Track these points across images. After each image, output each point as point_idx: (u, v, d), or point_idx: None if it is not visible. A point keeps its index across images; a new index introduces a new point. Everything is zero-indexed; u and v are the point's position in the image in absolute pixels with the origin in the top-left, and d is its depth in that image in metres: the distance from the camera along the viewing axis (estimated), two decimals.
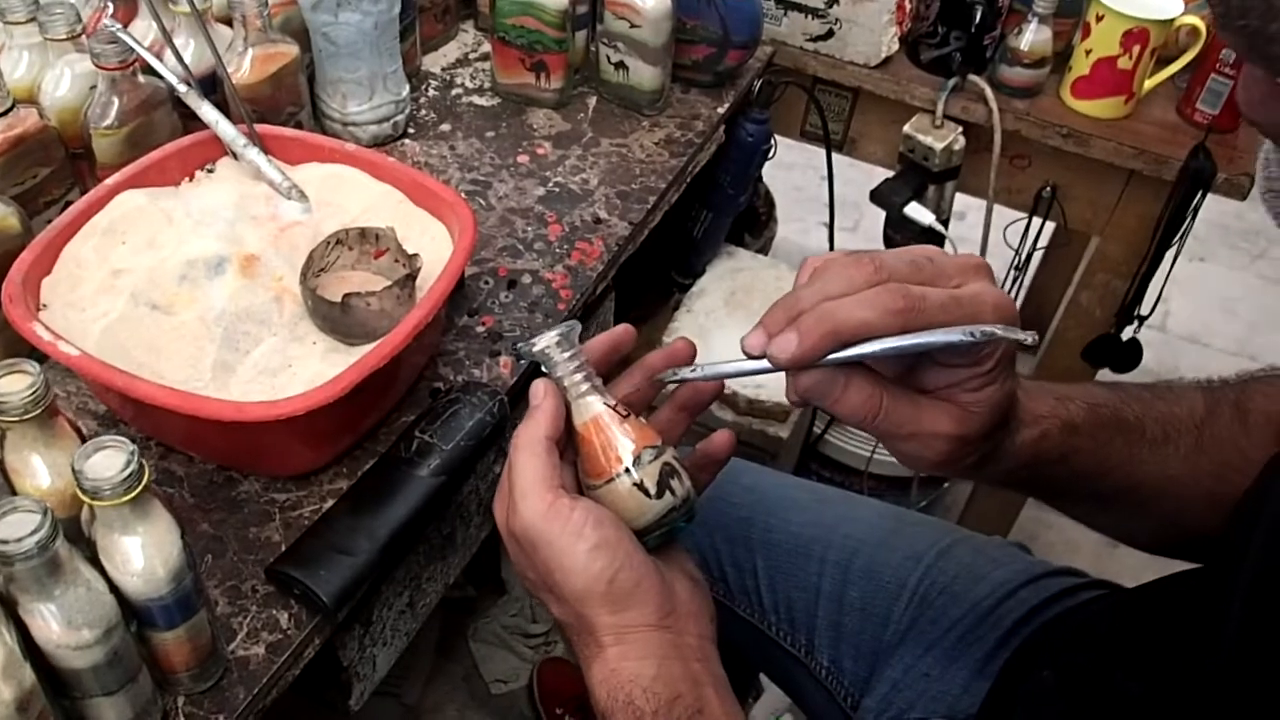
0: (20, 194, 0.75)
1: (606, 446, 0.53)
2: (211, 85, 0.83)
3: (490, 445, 0.72)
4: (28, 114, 0.75)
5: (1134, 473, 0.60)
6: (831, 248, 1.66)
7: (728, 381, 1.21)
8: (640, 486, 0.53)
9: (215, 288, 0.70)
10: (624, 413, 0.54)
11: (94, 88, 0.78)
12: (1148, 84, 1.14)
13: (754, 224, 1.53)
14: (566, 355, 0.54)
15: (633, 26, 1.01)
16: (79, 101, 0.79)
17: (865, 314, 0.46)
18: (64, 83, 0.79)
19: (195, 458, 0.71)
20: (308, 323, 0.70)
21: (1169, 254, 1.18)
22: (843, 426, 1.60)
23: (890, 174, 1.24)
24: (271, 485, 0.70)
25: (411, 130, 1.02)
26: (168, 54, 0.80)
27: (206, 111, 0.78)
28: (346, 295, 0.68)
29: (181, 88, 0.78)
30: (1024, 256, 1.32)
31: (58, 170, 0.78)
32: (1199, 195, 1.11)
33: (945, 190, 1.22)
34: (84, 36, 0.80)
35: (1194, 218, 1.14)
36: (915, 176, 1.20)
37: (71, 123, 0.79)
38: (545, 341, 0.54)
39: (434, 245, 0.75)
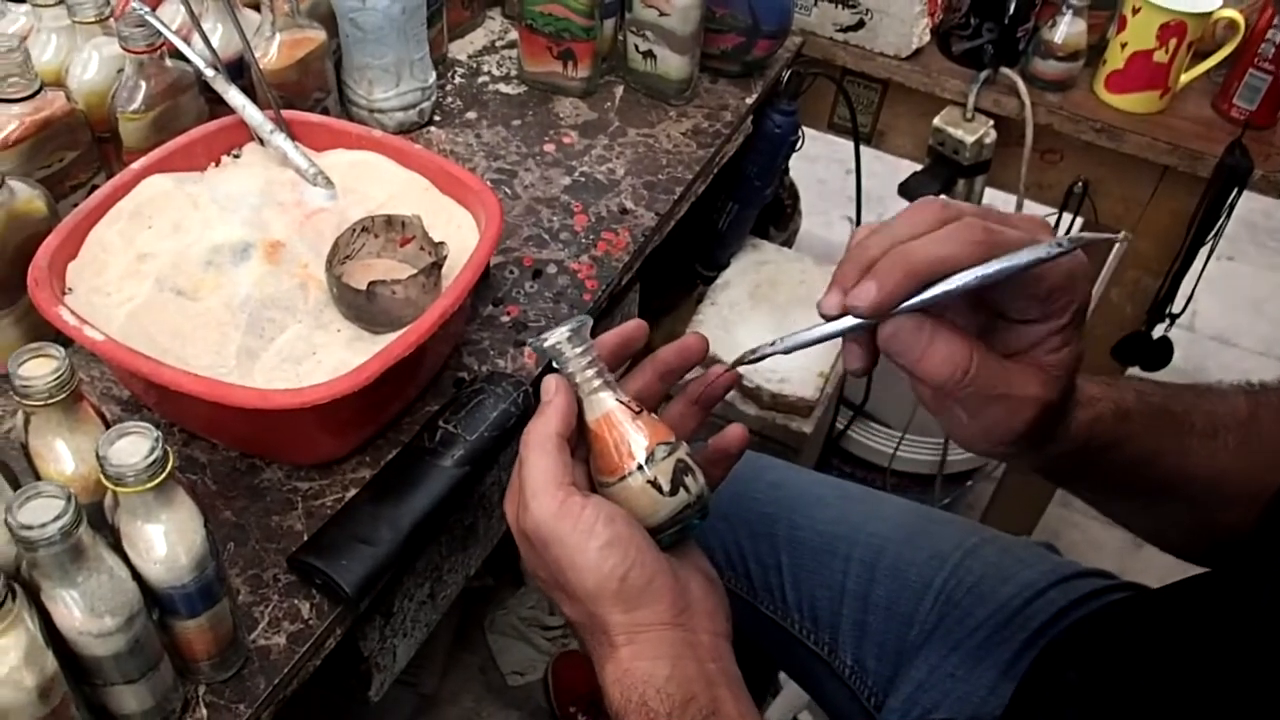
0: (47, 177, 0.74)
1: (619, 443, 0.53)
2: (239, 70, 0.82)
3: (514, 436, 0.72)
4: (55, 97, 0.74)
5: (1184, 464, 0.58)
6: None
7: (750, 375, 1.21)
8: (654, 484, 0.52)
9: (240, 274, 0.70)
10: (636, 409, 0.53)
11: (121, 71, 0.78)
12: (1184, 78, 1.12)
13: (779, 217, 1.52)
14: (578, 351, 0.53)
15: (661, 15, 1.00)
16: (106, 85, 0.78)
17: (944, 249, 0.44)
18: (92, 66, 0.78)
19: (218, 445, 0.70)
20: (333, 310, 0.70)
21: (1202, 251, 1.16)
22: (866, 422, 1.59)
23: (918, 167, 1.23)
24: (294, 473, 0.69)
25: (437, 118, 1.01)
26: (195, 38, 0.79)
27: (234, 96, 0.77)
28: (372, 283, 0.67)
29: (209, 72, 0.78)
30: None
31: (84, 154, 0.78)
32: (1234, 192, 1.09)
33: (975, 185, 1.20)
34: (112, 20, 0.79)
35: (1229, 215, 1.12)
36: (944, 170, 1.18)
37: (99, 106, 0.78)
38: (556, 337, 0.53)
39: (460, 234, 0.75)
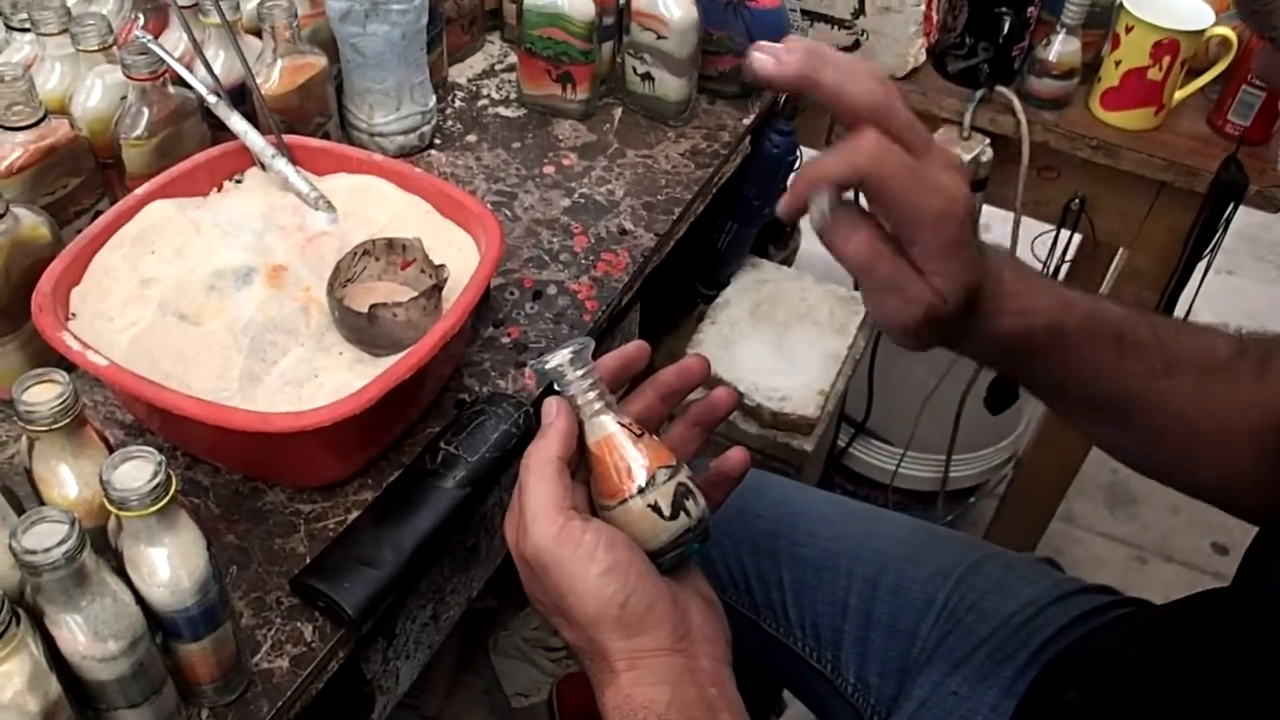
0: (51, 203, 0.75)
1: (620, 466, 0.53)
2: (240, 96, 0.83)
3: (515, 457, 0.72)
4: (59, 124, 0.75)
5: (1130, 389, 0.61)
6: None
7: (751, 394, 1.22)
8: (654, 507, 0.52)
9: (243, 298, 0.70)
10: (638, 431, 0.54)
11: (124, 98, 0.79)
12: (1178, 95, 1.13)
13: (778, 236, 1.53)
14: (579, 373, 0.54)
15: (659, 38, 1.01)
16: (110, 112, 0.79)
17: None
18: (95, 93, 0.79)
19: (221, 468, 0.71)
20: (334, 333, 0.70)
21: (1199, 266, 1.16)
22: (868, 440, 1.59)
23: None
24: (297, 496, 0.70)
25: (438, 141, 1.02)
26: (198, 65, 0.80)
27: (236, 122, 0.78)
28: (373, 306, 0.68)
29: (211, 98, 0.79)
30: (1052, 268, 1.31)
31: (88, 180, 0.78)
32: (1230, 207, 1.10)
33: (973, 202, 1.21)
34: (115, 48, 0.80)
35: (1225, 230, 1.12)
36: None
37: (102, 133, 0.79)
38: (558, 360, 0.53)
39: (460, 256, 0.75)
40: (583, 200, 0.97)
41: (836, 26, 1.17)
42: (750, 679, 0.57)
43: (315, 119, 0.90)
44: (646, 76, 1.05)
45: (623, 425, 0.53)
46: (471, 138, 1.03)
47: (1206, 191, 1.10)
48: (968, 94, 1.15)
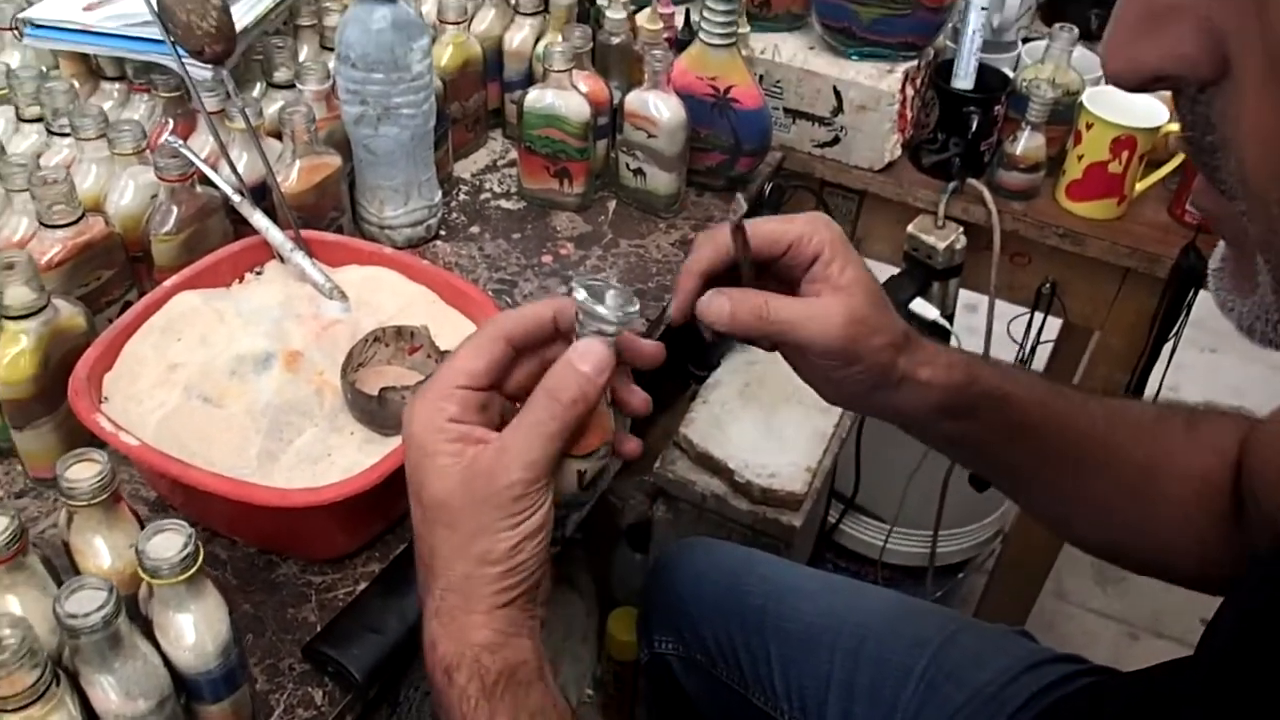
0: (85, 294, 0.81)
1: (584, 425, 0.53)
2: (261, 193, 0.90)
3: None
4: (95, 221, 0.81)
5: (1067, 445, 0.67)
6: None
7: (741, 471, 1.26)
8: (580, 475, 0.55)
9: (262, 382, 0.75)
10: (608, 399, 0.56)
11: (155, 197, 0.85)
12: (1139, 186, 1.20)
13: None
14: (610, 317, 0.52)
15: (650, 136, 1.08)
16: (141, 210, 0.86)
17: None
18: (128, 193, 0.86)
19: (238, 542, 0.75)
20: (346, 414, 0.76)
21: (1166, 347, 1.22)
22: (856, 516, 1.63)
23: (896, 271, 1.30)
24: (309, 568, 0.74)
25: (443, 232, 1.08)
26: (223, 165, 0.87)
27: (258, 220, 0.85)
28: (383, 389, 0.73)
29: (235, 197, 0.85)
30: (1028, 349, 1.37)
31: (119, 272, 0.85)
32: (1192, 292, 1.16)
33: (949, 287, 1.27)
34: (148, 151, 0.87)
35: (1189, 312, 1.18)
36: (920, 274, 1.26)
37: (133, 229, 0.85)
38: (597, 298, 0.52)
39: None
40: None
41: (816, 124, 1.24)
42: None
43: (330, 213, 0.96)
44: (638, 172, 1.12)
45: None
46: (475, 229, 1.10)
47: (1168, 277, 1.16)
48: (941, 185, 1.22)
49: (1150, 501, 0.67)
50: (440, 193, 1.06)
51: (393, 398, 0.73)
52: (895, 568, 1.63)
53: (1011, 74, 1.25)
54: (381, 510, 0.75)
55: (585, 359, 0.52)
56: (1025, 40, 1.37)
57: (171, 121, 0.94)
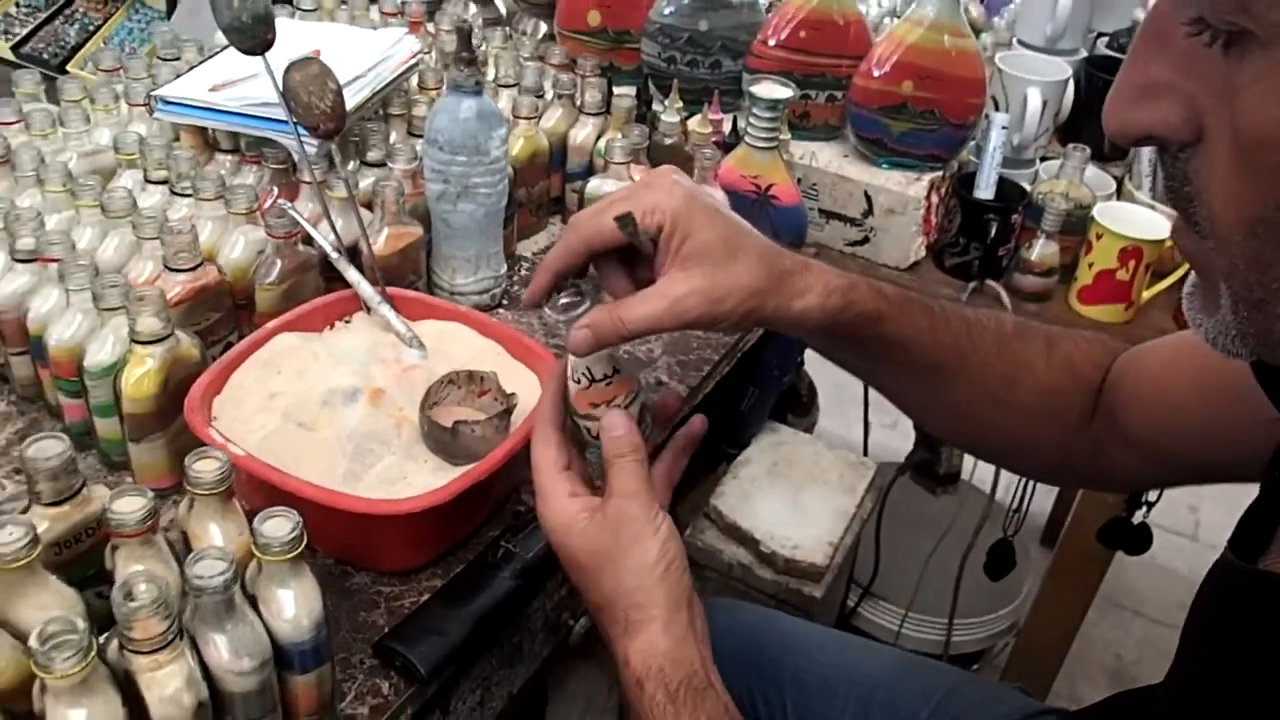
0: (196, 332, 0.92)
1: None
2: (353, 254, 1.01)
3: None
4: (210, 269, 0.93)
5: (935, 354, 0.74)
6: (865, 443, 1.81)
7: (767, 541, 1.34)
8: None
9: (349, 413, 0.85)
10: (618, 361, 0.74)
11: (261, 252, 0.97)
12: (1146, 294, 1.29)
13: (796, 405, 1.68)
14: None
15: None
16: (248, 262, 0.97)
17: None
18: (239, 247, 0.98)
19: (318, 552, 0.84)
20: (421, 445, 0.85)
21: None
22: (875, 601, 1.69)
23: None
24: (379, 579, 0.83)
25: (505, 301, 1.19)
26: (324, 226, 0.99)
27: (351, 275, 0.96)
28: (456, 421, 0.83)
29: (334, 254, 0.97)
30: None
31: (225, 316, 0.96)
32: None
33: None
34: (257, 212, 0.99)
35: None
36: None
37: (241, 278, 0.97)
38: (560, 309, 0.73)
39: (527, 390, 0.91)
40: (626, 355, 1.13)
41: (848, 224, 1.36)
42: None
43: (409, 276, 1.08)
44: None
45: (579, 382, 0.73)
46: None
47: None
48: (961, 285, 1.32)
49: (1006, 407, 0.76)
50: (505, 266, 1.18)
51: (464, 430, 0.83)
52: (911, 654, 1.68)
53: (1029, 187, 1.36)
54: (448, 530, 0.84)
55: (612, 431, 0.71)
56: (1043, 159, 1.49)
57: (276, 189, 1.07)
